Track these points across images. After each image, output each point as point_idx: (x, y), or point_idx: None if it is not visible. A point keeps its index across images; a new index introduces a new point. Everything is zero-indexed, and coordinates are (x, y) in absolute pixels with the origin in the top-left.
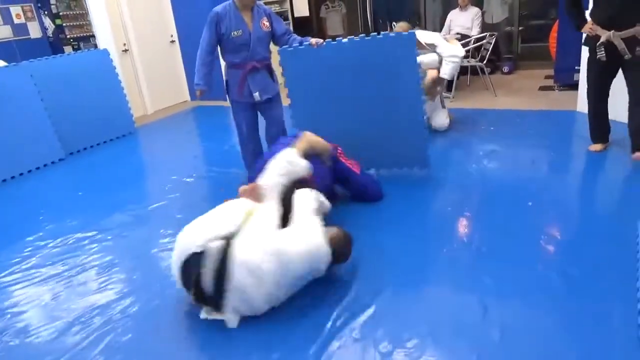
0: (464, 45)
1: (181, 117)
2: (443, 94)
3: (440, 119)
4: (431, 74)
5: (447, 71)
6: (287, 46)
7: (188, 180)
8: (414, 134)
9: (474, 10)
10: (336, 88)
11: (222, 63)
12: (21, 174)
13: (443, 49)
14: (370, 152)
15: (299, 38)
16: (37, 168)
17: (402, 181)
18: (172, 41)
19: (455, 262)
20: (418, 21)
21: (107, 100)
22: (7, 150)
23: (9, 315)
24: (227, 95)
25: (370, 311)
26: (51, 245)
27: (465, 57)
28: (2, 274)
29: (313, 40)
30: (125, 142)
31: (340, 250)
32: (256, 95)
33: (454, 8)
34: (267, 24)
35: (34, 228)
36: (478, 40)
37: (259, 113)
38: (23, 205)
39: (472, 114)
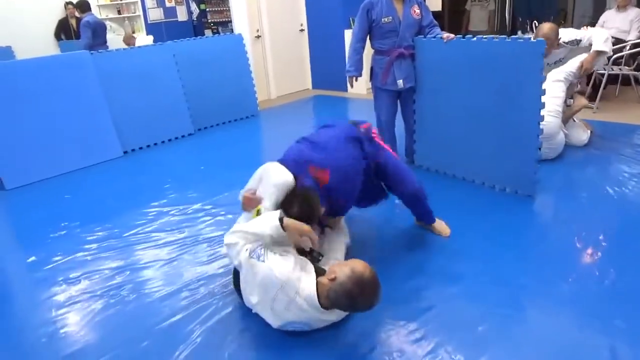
0: (617, 51)
1: (302, 105)
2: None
3: (577, 134)
4: (580, 101)
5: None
6: (422, 36)
7: None
8: (523, 154)
9: (635, 11)
10: (456, 86)
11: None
12: (155, 144)
13: (590, 35)
14: (474, 161)
15: (438, 30)
16: (169, 140)
17: (506, 199)
18: (302, 30)
19: (581, 297)
20: (564, 20)
21: (236, 83)
22: (145, 121)
23: (128, 272)
24: (370, 83)
25: (475, 337)
26: (172, 212)
27: (617, 63)
28: (128, 233)
29: (445, 35)
30: (248, 124)
31: (351, 302)
32: (400, 82)
33: (609, 7)
34: (417, 11)
35: (159, 195)
36: (635, 45)
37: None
38: (152, 173)
39: (617, 129)
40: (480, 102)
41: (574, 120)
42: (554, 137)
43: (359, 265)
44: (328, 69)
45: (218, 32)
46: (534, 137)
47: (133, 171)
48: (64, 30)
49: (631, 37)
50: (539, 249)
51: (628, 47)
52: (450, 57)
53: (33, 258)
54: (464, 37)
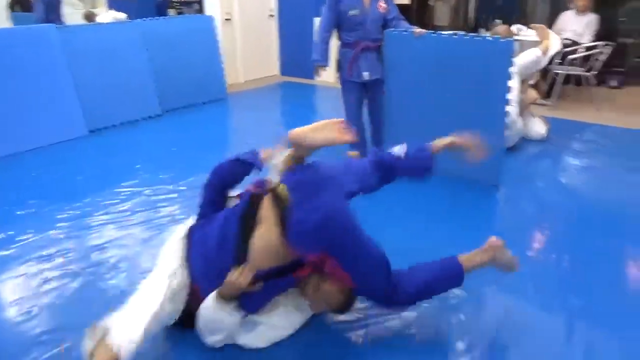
0: (572, 52)
1: (270, 90)
2: (541, 101)
3: (536, 128)
4: (531, 95)
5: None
6: (393, 29)
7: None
8: (490, 146)
9: (591, 17)
10: (426, 80)
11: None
12: (122, 124)
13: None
14: (442, 154)
15: (406, 24)
16: (136, 121)
17: (472, 188)
18: (271, 15)
19: (539, 278)
20: (524, 19)
21: (205, 65)
22: (112, 100)
23: (104, 250)
24: (337, 75)
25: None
26: (146, 192)
27: (572, 64)
28: (101, 212)
29: (417, 30)
30: (216, 107)
31: None
32: (365, 74)
33: (567, 9)
34: (384, 5)
35: (130, 175)
36: (589, 49)
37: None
38: (122, 153)
39: (570, 126)
40: (449, 96)
41: (533, 115)
42: (511, 126)
43: None
44: (297, 56)
45: (182, 12)
46: (500, 131)
47: (101, 150)
48: (20, 2)
49: (585, 40)
50: (503, 235)
51: (581, 50)
52: (421, 52)
53: (2, 235)
54: (434, 33)
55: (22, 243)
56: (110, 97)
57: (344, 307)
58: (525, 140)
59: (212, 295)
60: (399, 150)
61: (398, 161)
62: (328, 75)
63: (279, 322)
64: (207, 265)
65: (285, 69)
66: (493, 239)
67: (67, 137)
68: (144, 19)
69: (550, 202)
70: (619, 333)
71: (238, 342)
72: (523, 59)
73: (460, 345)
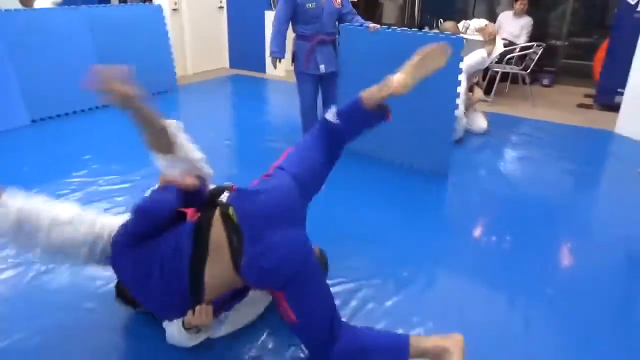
0: (509, 52)
1: (220, 82)
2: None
3: (479, 122)
4: (478, 94)
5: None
6: (348, 24)
7: (225, 142)
8: (440, 138)
9: (526, 20)
10: (379, 74)
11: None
12: (67, 114)
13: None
14: (395, 146)
15: (360, 20)
16: (82, 110)
17: (422, 176)
18: (220, 7)
19: (482, 257)
20: (464, 19)
21: (154, 55)
22: (56, 89)
23: None
24: (293, 67)
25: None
26: (99, 182)
27: (509, 63)
28: None
29: (372, 25)
30: (167, 98)
31: None
32: (322, 67)
33: (504, 9)
34: (339, 0)
35: (80, 165)
36: (524, 49)
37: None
38: (68, 143)
39: (508, 120)
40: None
41: (475, 110)
42: (457, 121)
43: None
44: (247, 49)
45: (125, 2)
46: (449, 124)
47: (46, 140)
48: None
49: (520, 41)
50: (451, 218)
51: (517, 50)
52: (375, 46)
53: None
54: (388, 28)
55: None
56: (55, 86)
57: None
58: (469, 133)
59: (176, 328)
60: (331, 116)
61: (337, 127)
62: (279, 69)
63: (245, 310)
64: (148, 286)
65: (234, 62)
66: (458, 336)
67: (7, 127)
68: (89, 5)
69: (492, 188)
70: (552, 303)
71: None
72: (470, 60)
73: (412, 320)
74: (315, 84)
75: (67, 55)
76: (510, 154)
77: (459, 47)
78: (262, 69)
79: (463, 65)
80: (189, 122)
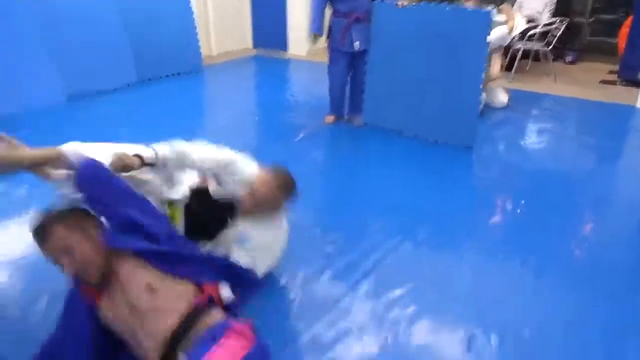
0: (531, 29)
1: (243, 62)
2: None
3: (499, 96)
4: (496, 68)
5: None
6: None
7: (250, 118)
8: (466, 111)
9: None
10: (408, 48)
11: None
12: (100, 92)
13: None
14: (420, 118)
15: None
16: (115, 89)
17: (447, 149)
18: None
19: (503, 225)
20: None
21: (180, 35)
22: (90, 68)
23: None
24: (327, 43)
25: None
26: None
27: (531, 40)
28: None
29: (399, 2)
30: (194, 78)
31: None
32: (356, 44)
33: None
34: None
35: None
36: (546, 25)
37: None
38: (105, 119)
39: (529, 96)
40: (430, 64)
41: (496, 86)
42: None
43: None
44: (269, 29)
45: None
46: (475, 96)
47: (82, 117)
48: None
49: (544, 18)
50: (474, 191)
51: (540, 27)
52: (405, 21)
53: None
54: (416, 4)
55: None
56: (88, 65)
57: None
58: (489, 108)
59: None
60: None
61: None
62: (301, 49)
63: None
64: None
65: (257, 42)
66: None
67: (45, 104)
68: None
69: (512, 161)
70: (567, 264)
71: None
72: (492, 36)
73: (424, 270)
74: (348, 60)
75: (99, 36)
76: (530, 127)
77: (488, 20)
78: (285, 47)
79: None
80: (216, 100)
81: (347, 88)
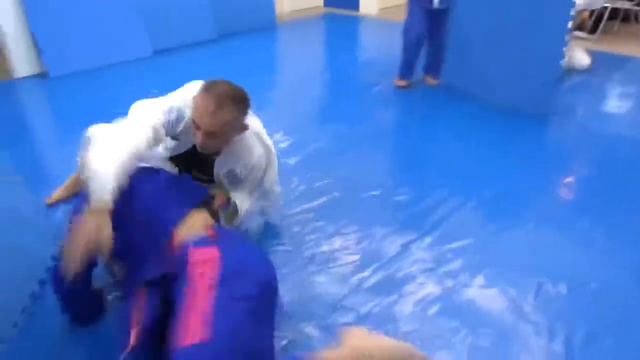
0: None
1: (315, 20)
2: (583, 34)
3: (580, 57)
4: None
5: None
6: None
7: (321, 75)
8: (546, 76)
9: None
10: (494, 7)
11: None
12: (181, 47)
13: None
14: (499, 82)
15: None
16: (195, 44)
17: (522, 115)
18: None
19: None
20: None
21: None
22: (171, 23)
23: None
24: None
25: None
26: None
27: None
28: None
29: None
30: (267, 35)
31: None
32: (436, 2)
33: None
34: None
35: None
36: None
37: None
38: (186, 73)
39: (614, 59)
40: (511, 26)
41: (578, 48)
42: None
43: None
44: None
45: None
46: (557, 61)
47: (167, 69)
48: None
49: None
50: (550, 161)
51: None
52: None
53: None
54: None
55: None
56: (171, 21)
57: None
58: (570, 69)
59: None
60: None
61: None
62: (372, 6)
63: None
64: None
65: (328, 1)
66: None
67: (132, 57)
68: None
69: (590, 127)
70: (628, 236)
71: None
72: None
73: (489, 225)
74: (426, 17)
75: None
76: (612, 92)
77: None
78: (356, 6)
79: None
80: (288, 56)
81: (422, 50)
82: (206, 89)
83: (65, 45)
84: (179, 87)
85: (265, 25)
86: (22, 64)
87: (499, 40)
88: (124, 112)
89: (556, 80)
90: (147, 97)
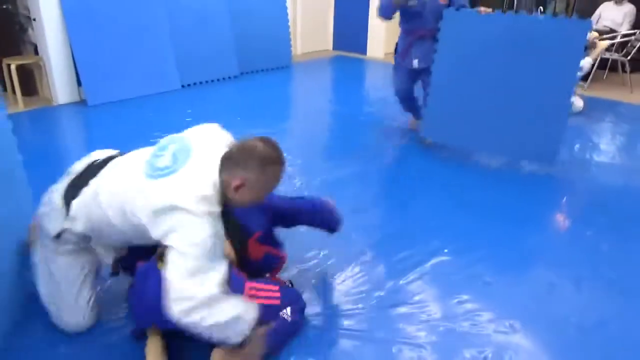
0: (610, 39)
1: (326, 62)
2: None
3: (576, 102)
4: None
5: None
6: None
7: (331, 108)
8: (550, 129)
9: (629, 7)
10: (486, 59)
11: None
12: (207, 82)
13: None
14: (496, 135)
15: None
16: (218, 79)
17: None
18: None
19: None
20: (567, 8)
21: (276, 36)
22: (200, 59)
23: None
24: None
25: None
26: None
27: (609, 50)
28: None
29: (482, 8)
30: (285, 72)
31: None
32: (415, 62)
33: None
34: None
35: (228, 125)
36: (625, 36)
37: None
38: (213, 105)
39: (604, 104)
40: (511, 76)
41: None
42: None
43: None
44: (350, 31)
45: None
46: (564, 113)
47: (195, 101)
48: None
49: (623, 29)
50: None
51: (619, 37)
52: (483, 31)
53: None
54: (503, 12)
55: None
56: (198, 58)
57: None
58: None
59: None
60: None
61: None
62: (378, 51)
63: None
64: None
65: (337, 44)
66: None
67: (163, 90)
68: None
69: (588, 162)
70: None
71: None
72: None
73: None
74: (409, 75)
75: (210, 30)
76: (605, 127)
77: (586, 29)
78: (364, 51)
79: None
80: (301, 93)
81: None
82: (269, 161)
83: (104, 76)
84: (207, 117)
85: (282, 65)
86: (64, 92)
87: (497, 91)
88: (153, 138)
89: (562, 133)
90: (178, 123)
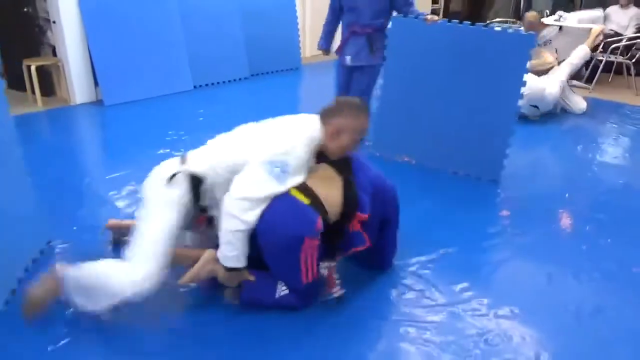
0: (616, 42)
1: (332, 64)
2: (580, 83)
3: (578, 102)
4: (547, 59)
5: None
6: (402, 15)
7: None
8: (496, 142)
9: (634, 10)
10: (434, 71)
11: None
12: (218, 83)
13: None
14: (444, 149)
15: (417, 11)
16: (229, 81)
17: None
18: None
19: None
20: (572, 5)
21: (286, 38)
22: (211, 61)
23: None
24: None
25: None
26: None
27: (614, 53)
28: None
29: (429, 17)
30: (295, 74)
31: None
32: (347, 59)
33: (613, 3)
34: None
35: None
36: (631, 39)
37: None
38: (224, 105)
39: (607, 105)
40: (457, 89)
41: (574, 92)
42: (549, 104)
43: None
44: None
45: None
46: (509, 126)
47: (206, 102)
48: None
49: (628, 32)
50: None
51: (624, 40)
52: (431, 41)
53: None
54: (449, 22)
55: None
56: (210, 60)
57: None
58: (567, 113)
59: None
60: None
61: None
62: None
63: None
64: None
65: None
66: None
67: (175, 90)
68: None
69: (585, 158)
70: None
71: None
72: (576, 58)
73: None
74: (345, 73)
75: (222, 32)
76: (608, 128)
77: (530, 45)
78: None
79: (569, 64)
80: (313, 94)
81: None
82: (360, 108)
83: (120, 77)
84: (219, 117)
85: (291, 66)
86: (81, 92)
87: (443, 103)
88: (168, 137)
89: (506, 146)
90: (191, 122)
